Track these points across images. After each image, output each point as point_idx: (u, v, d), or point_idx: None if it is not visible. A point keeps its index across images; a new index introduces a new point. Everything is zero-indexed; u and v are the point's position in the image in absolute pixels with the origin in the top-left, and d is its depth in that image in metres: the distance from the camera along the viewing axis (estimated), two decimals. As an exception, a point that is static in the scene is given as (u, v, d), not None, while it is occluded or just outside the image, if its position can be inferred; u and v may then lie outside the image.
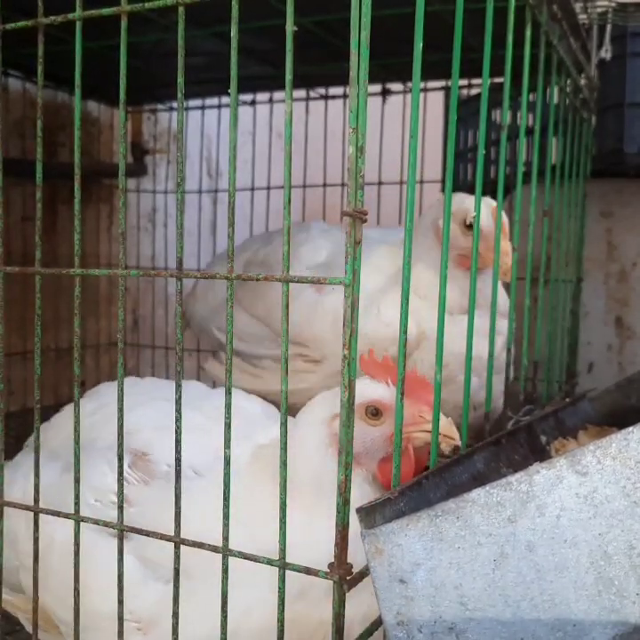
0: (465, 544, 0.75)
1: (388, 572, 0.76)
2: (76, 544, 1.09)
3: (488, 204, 1.66)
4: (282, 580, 0.92)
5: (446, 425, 1.11)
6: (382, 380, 1.16)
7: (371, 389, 1.15)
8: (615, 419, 1.36)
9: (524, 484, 0.74)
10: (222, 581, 0.97)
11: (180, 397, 1.00)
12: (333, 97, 2.64)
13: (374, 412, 1.14)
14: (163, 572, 1.12)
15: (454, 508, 0.75)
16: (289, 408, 0.93)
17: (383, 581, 0.77)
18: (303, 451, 1.12)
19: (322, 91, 2.65)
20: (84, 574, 1.11)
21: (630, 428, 0.71)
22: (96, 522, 1.08)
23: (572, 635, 0.71)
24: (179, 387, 1.00)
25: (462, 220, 1.71)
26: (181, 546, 1.01)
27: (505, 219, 1.63)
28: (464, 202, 1.71)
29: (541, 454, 1.25)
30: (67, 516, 1.10)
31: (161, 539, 1.03)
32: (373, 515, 0.82)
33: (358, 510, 0.81)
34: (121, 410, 1.05)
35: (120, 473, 1.06)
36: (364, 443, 1.13)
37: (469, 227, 1.70)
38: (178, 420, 1.00)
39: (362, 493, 1.11)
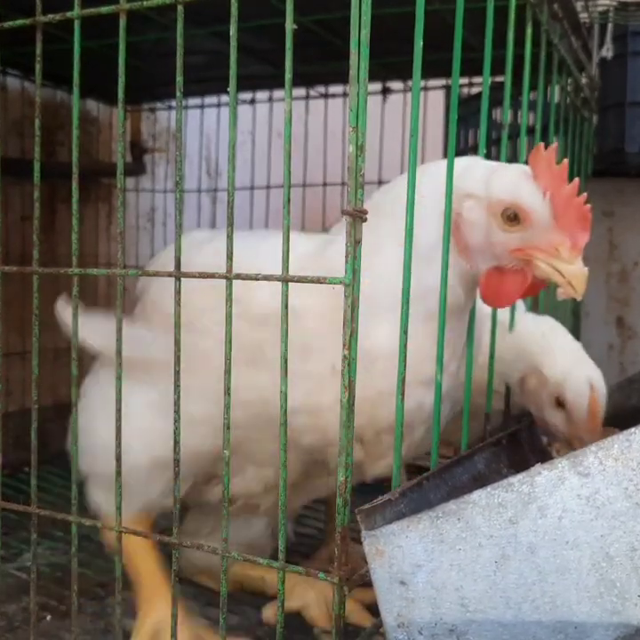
0: (466, 545, 0.74)
1: (388, 574, 0.76)
2: (75, 545, 1.09)
3: (591, 380, 1.33)
4: (281, 580, 0.92)
5: (578, 273, 0.97)
6: (541, 185, 0.99)
7: (523, 189, 0.99)
8: (616, 419, 1.36)
9: (525, 485, 0.74)
10: (222, 583, 0.96)
11: (179, 397, 1.00)
12: (333, 96, 2.64)
13: (512, 217, 0.99)
14: None
15: (455, 510, 0.75)
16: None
17: (384, 583, 0.76)
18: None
19: (322, 89, 2.65)
20: None
21: (632, 429, 0.71)
22: (95, 523, 1.08)
23: (574, 637, 0.71)
24: (177, 387, 0.99)
25: (554, 396, 1.35)
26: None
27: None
28: (554, 369, 1.34)
29: (543, 455, 1.25)
30: (66, 516, 1.10)
31: (160, 540, 1.02)
32: (374, 516, 0.82)
33: (358, 511, 0.81)
34: (119, 410, 1.05)
35: (119, 472, 1.05)
36: (484, 242, 1.01)
37: (561, 405, 1.36)
38: (177, 420, 1.00)
39: (454, 293, 1.03)
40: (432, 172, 1.06)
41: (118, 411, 1.04)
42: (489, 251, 1.03)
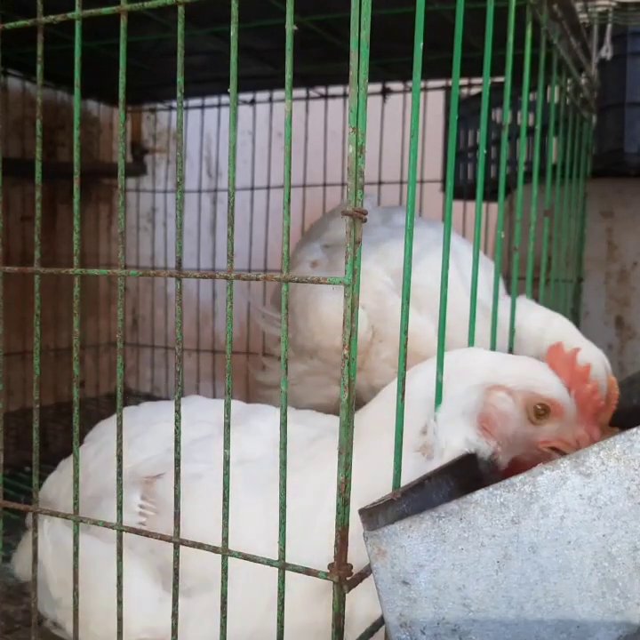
0: (468, 545, 0.74)
1: (390, 574, 0.76)
2: (76, 545, 1.09)
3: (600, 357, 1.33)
4: (281, 580, 0.92)
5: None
6: (568, 383, 1.05)
7: (556, 387, 1.05)
8: (617, 419, 1.36)
9: (527, 485, 0.74)
10: (222, 582, 0.96)
11: (179, 397, 1.00)
12: (333, 96, 2.64)
13: (542, 412, 1.04)
14: (186, 582, 1.04)
15: (457, 510, 0.75)
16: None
17: (386, 583, 0.76)
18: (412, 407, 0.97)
19: (322, 90, 2.65)
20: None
21: (634, 430, 0.71)
22: (95, 522, 1.08)
23: (576, 636, 0.71)
24: (178, 387, 1.00)
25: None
26: (202, 553, 0.97)
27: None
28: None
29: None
30: (65, 516, 1.10)
31: (160, 539, 1.02)
32: (376, 516, 0.82)
33: (361, 511, 0.81)
34: (120, 410, 1.05)
35: (119, 473, 1.06)
36: (512, 433, 1.04)
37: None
38: (177, 420, 1.00)
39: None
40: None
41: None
42: (514, 441, 1.06)
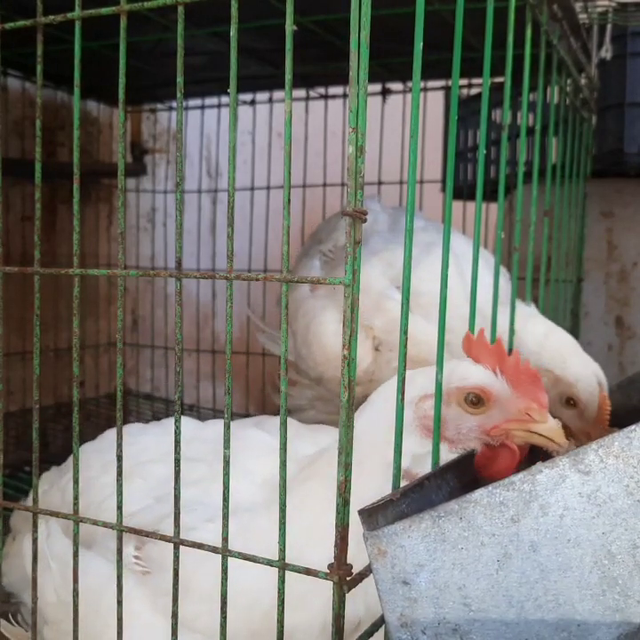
0: (468, 545, 0.74)
1: (390, 574, 0.76)
2: (76, 544, 1.09)
3: (599, 378, 1.40)
4: (281, 580, 0.92)
5: (555, 428, 1.05)
6: (488, 366, 1.07)
7: (475, 374, 1.07)
8: (617, 419, 1.36)
9: (526, 483, 0.74)
10: (222, 582, 0.97)
11: (180, 397, 1.00)
12: (333, 97, 2.64)
13: (475, 401, 1.06)
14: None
15: (457, 509, 0.75)
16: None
17: (386, 583, 0.76)
18: (377, 433, 1.01)
19: (322, 90, 2.65)
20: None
21: (632, 427, 0.71)
22: (94, 522, 1.08)
23: (577, 635, 0.71)
24: (178, 387, 1.00)
25: (566, 396, 1.40)
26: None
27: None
28: (566, 371, 1.42)
29: (544, 454, 1.24)
30: (66, 516, 1.10)
31: (160, 539, 1.02)
32: (375, 516, 0.82)
33: (360, 512, 0.81)
34: (120, 410, 1.05)
35: (119, 472, 1.06)
36: (458, 429, 1.06)
37: (572, 403, 1.43)
38: (177, 420, 1.00)
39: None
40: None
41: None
42: (464, 437, 1.08)
